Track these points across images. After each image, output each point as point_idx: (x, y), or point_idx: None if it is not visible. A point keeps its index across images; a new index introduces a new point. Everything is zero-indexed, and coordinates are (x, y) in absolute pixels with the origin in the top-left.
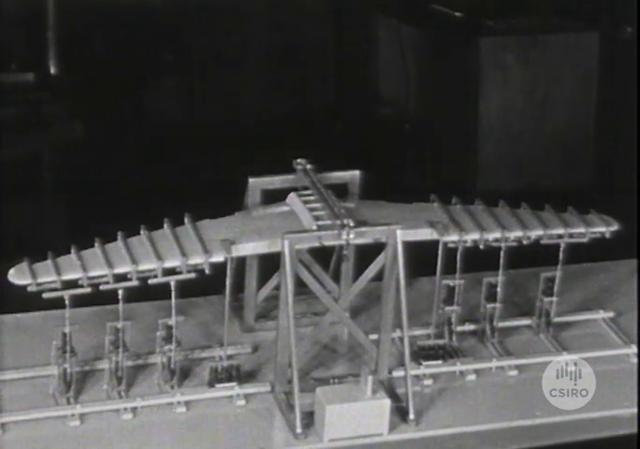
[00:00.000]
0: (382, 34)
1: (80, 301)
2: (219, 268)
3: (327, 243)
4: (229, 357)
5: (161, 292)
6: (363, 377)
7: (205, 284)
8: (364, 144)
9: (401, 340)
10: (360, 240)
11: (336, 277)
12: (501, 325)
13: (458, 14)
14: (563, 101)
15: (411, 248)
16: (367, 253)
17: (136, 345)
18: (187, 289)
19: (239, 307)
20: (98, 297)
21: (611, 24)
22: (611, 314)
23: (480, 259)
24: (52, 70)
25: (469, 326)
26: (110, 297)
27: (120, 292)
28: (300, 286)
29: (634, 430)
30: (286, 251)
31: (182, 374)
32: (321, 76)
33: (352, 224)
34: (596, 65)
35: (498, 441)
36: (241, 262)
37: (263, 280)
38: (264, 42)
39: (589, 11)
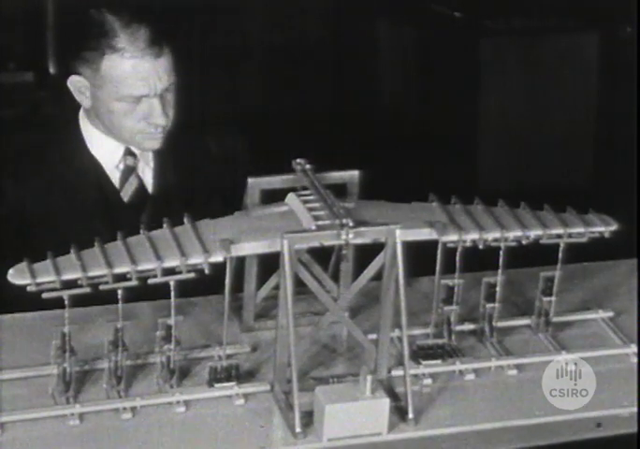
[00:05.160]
0: (382, 34)
1: (79, 301)
2: (218, 268)
3: (327, 243)
4: (228, 357)
5: (160, 291)
6: (362, 376)
7: (205, 284)
8: (364, 144)
9: (400, 339)
10: (359, 240)
11: (335, 277)
12: (500, 324)
13: (457, 14)
14: (563, 101)
15: (410, 248)
16: (366, 253)
17: (135, 345)
18: (187, 289)
19: (238, 307)
20: (98, 297)
21: (611, 24)
22: (610, 314)
23: (479, 259)
24: (52, 70)
25: (468, 326)
26: (110, 297)
27: (119, 292)
28: (300, 286)
29: (634, 430)
30: (285, 250)
31: (182, 374)
32: (321, 76)
33: (351, 224)
34: (596, 65)
35: (497, 440)
36: (241, 261)
37: (262, 279)
38: (264, 42)
39: (589, 11)
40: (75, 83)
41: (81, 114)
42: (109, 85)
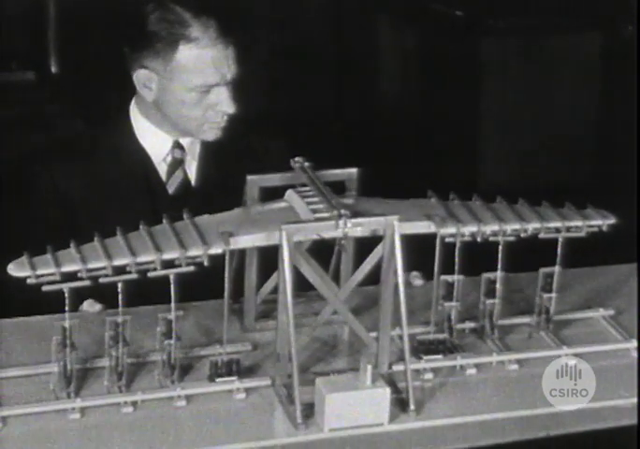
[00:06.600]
0: (382, 33)
1: (80, 299)
2: (218, 269)
3: (325, 235)
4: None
5: (160, 294)
6: (362, 366)
7: (205, 287)
8: (364, 143)
9: (401, 336)
10: (358, 232)
11: (336, 278)
12: (500, 322)
13: (458, 13)
14: (563, 100)
15: (409, 245)
16: (366, 253)
17: (136, 342)
18: (187, 292)
19: (239, 309)
20: (99, 295)
21: (611, 24)
22: (611, 312)
23: (479, 261)
24: (53, 69)
25: (469, 324)
26: (110, 297)
27: (119, 285)
28: (299, 289)
29: (634, 421)
30: (284, 242)
31: (183, 369)
32: (321, 76)
33: (349, 215)
34: (596, 65)
35: (499, 431)
36: (241, 263)
37: (263, 280)
38: (264, 42)
39: (589, 11)
40: (141, 77)
41: (132, 106)
42: (182, 75)
